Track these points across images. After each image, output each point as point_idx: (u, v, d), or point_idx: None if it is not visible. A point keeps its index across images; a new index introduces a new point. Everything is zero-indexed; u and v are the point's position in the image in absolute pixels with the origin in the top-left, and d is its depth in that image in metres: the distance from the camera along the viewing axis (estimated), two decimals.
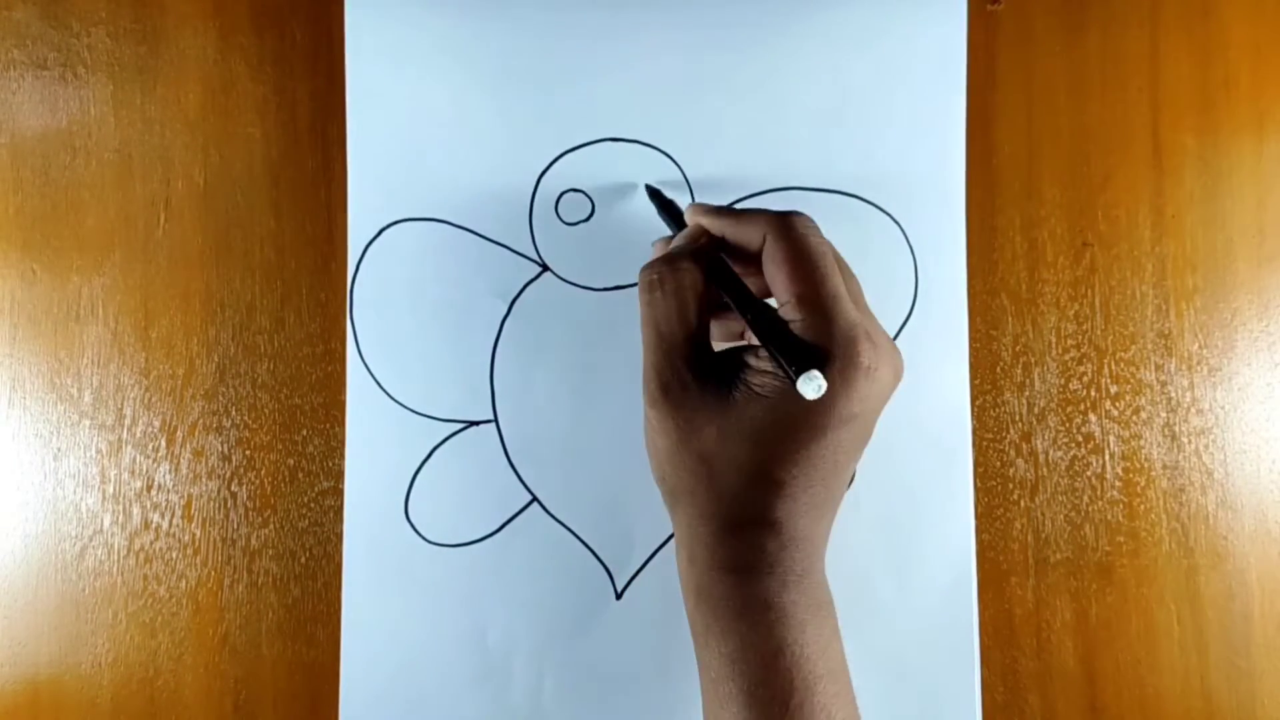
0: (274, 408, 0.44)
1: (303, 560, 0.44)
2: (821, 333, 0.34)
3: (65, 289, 0.45)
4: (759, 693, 0.33)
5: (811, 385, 0.32)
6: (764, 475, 0.35)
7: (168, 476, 0.44)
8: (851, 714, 0.35)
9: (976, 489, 0.44)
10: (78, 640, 0.44)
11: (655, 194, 0.43)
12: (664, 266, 0.36)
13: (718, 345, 0.38)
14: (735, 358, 0.36)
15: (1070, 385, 0.44)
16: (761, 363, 0.35)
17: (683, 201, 0.44)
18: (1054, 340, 0.44)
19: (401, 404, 0.44)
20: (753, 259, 0.37)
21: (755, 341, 0.36)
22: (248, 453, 0.44)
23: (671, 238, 0.40)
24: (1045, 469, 0.44)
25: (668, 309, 0.36)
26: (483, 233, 0.44)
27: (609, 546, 0.44)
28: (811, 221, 0.36)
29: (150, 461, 0.44)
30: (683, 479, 0.36)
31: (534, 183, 0.44)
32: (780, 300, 0.35)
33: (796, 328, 0.34)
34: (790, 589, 0.34)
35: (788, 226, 0.36)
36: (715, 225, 0.38)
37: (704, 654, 0.36)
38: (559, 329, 0.44)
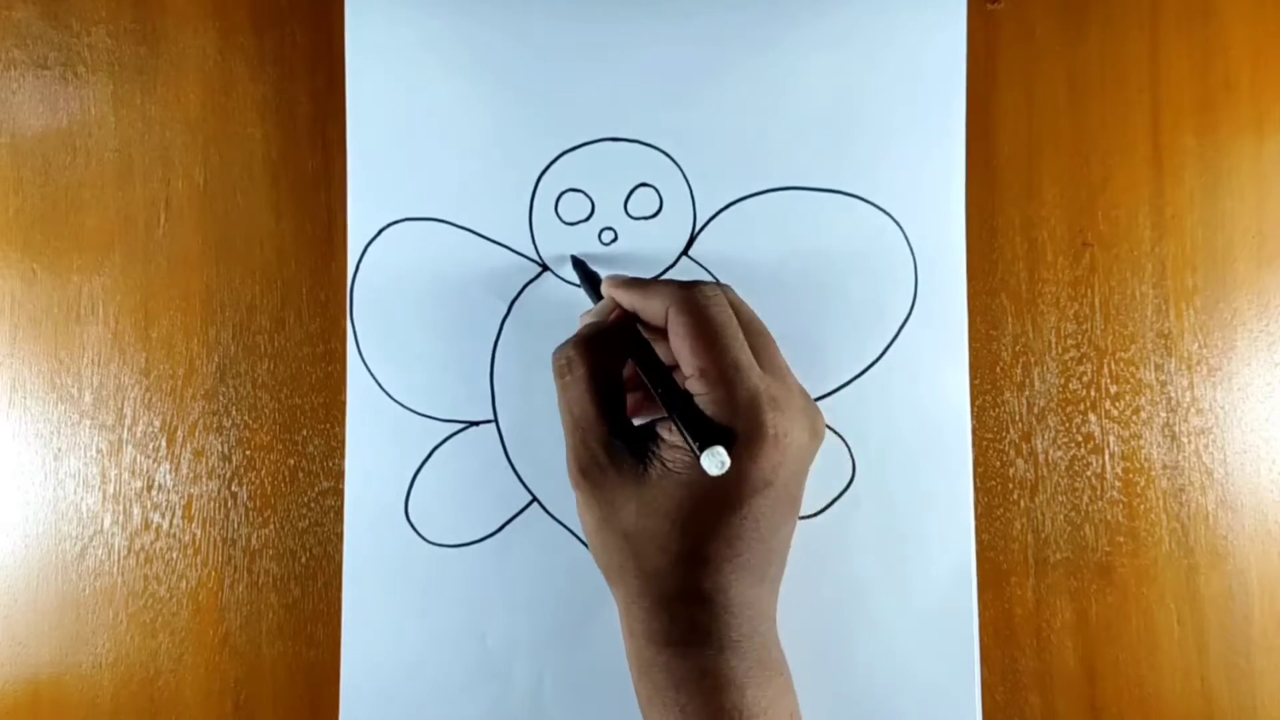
0: (274, 408, 0.44)
1: (303, 560, 0.44)
2: (724, 405, 0.34)
3: (65, 289, 0.45)
4: None
5: (714, 461, 0.33)
6: (687, 551, 0.35)
7: (168, 476, 0.44)
8: None
9: (976, 489, 0.44)
10: (78, 640, 0.44)
11: (579, 265, 0.43)
12: (572, 350, 0.37)
13: (645, 417, 0.38)
14: (650, 432, 0.36)
15: (1070, 385, 0.44)
16: (674, 436, 0.35)
17: (681, 208, 0.44)
18: (1054, 340, 0.44)
19: (401, 404, 0.44)
20: (664, 331, 0.37)
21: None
22: (248, 453, 0.44)
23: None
24: (1045, 469, 0.44)
25: (578, 393, 0.36)
26: (483, 233, 0.44)
27: None
28: (715, 290, 0.36)
29: (150, 461, 0.44)
30: (611, 557, 0.36)
31: (534, 183, 0.44)
32: (686, 374, 0.35)
33: (701, 401, 0.35)
34: (729, 654, 0.35)
35: (688, 299, 0.36)
36: (625, 299, 0.38)
37: None
38: (559, 329, 0.44)
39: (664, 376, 0.36)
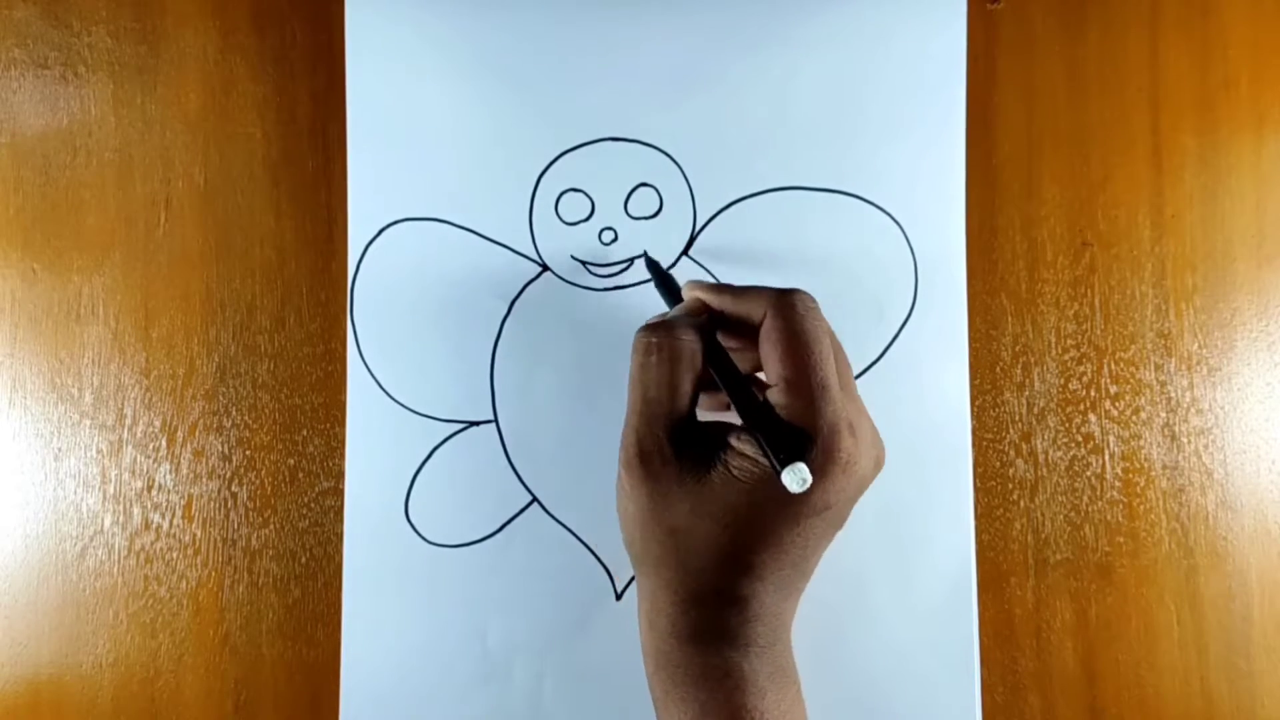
0: (274, 408, 0.44)
1: (303, 560, 0.44)
2: (807, 420, 0.34)
3: (66, 289, 0.45)
4: None
5: (796, 479, 0.32)
6: (733, 557, 0.35)
7: (168, 476, 0.44)
8: None
9: (976, 489, 0.44)
10: (78, 640, 0.44)
11: (654, 266, 0.43)
12: (664, 333, 0.36)
13: (702, 415, 0.38)
14: (717, 435, 0.36)
15: (1070, 385, 0.44)
16: (744, 445, 0.35)
17: (681, 208, 0.44)
18: (1054, 340, 0.44)
19: (401, 404, 0.44)
20: (746, 335, 0.37)
21: (738, 420, 0.36)
22: (248, 453, 0.44)
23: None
24: (1045, 469, 0.44)
25: (660, 376, 0.35)
26: (483, 233, 0.44)
27: (609, 546, 0.44)
28: (813, 301, 0.36)
29: (151, 461, 0.44)
30: (650, 548, 0.36)
31: (534, 183, 0.44)
32: (770, 380, 0.35)
33: (782, 411, 0.34)
34: (752, 658, 0.35)
35: (788, 306, 0.35)
36: (715, 300, 0.38)
37: (663, 717, 0.36)
38: (559, 329, 0.44)
39: (743, 384, 0.36)
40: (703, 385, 0.37)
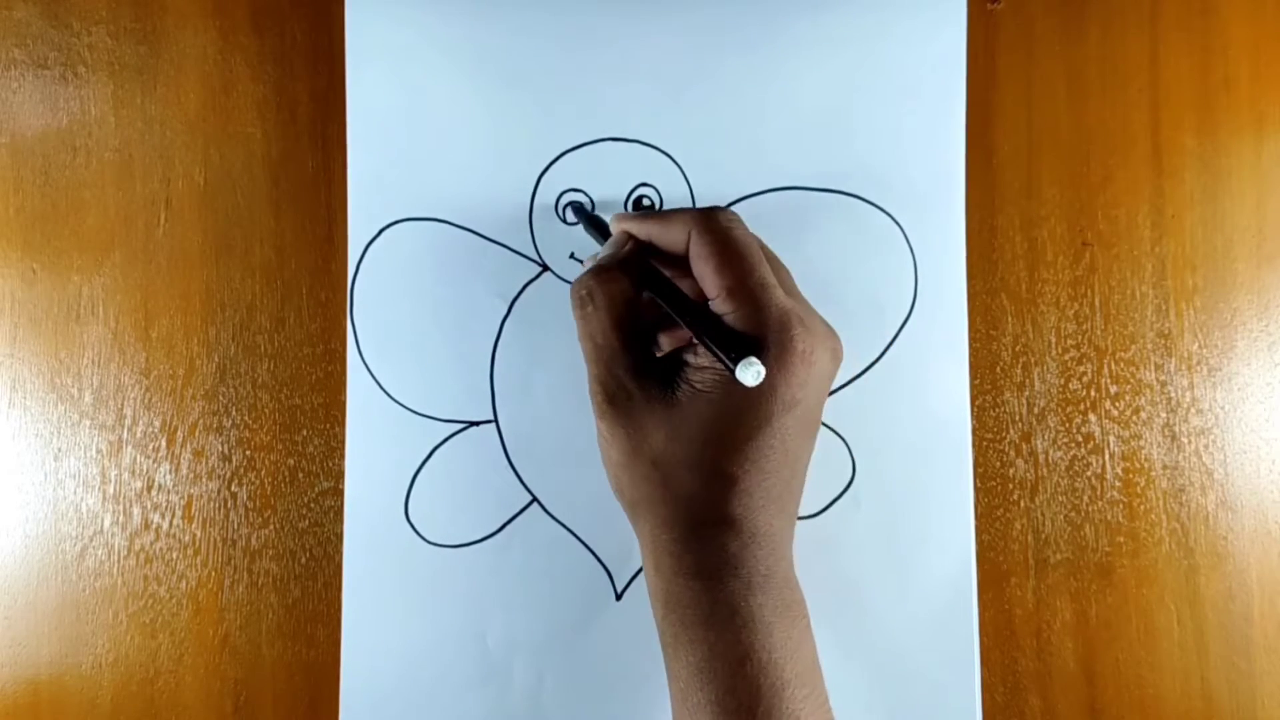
0: (274, 408, 0.44)
1: (303, 560, 0.44)
2: (754, 321, 0.35)
3: (65, 289, 0.45)
4: (726, 701, 0.33)
5: (750, 372, 0.33)
6: (717, 472, 0.35)
7: (168, 477, 0.44)
8: (823, 716, 0.35)
9: (976, 489, 0.44)
10: (78, 641, 0.44)
11: (579, 209, 0.43)
12: (592, 279, 0.37)
13: (666, 352, 0.39)
14: (675, 359, 0.37)
15: (1070, 385, 0.44)
16: (700, 359, 0.36)
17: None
18: (1054, 340, 0.44)
19: (401, 404, 0.44)
20: (681, 261, 0.37)
21: (694, 342, 0.36)
22: (248, 453, 0.44)
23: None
24: (1045, 469, 0.44)
25: (601, 321, 0.36)
26: (483, 233, 0.44)
27: (609, 547, 0.44)
28: (735, 215, 0.37)
29: (150, 462, 0.44)
30: (639, 487, 0.36)
31: (534, 183, 0.44)
32: (710, 295, 0.36)
33: (729, 319, 0.35)
34: (756, 591, 0.35)
35: (710, 221, 0.36)
36: (640, 229, 0.39)
37: (673, 664, 0.36)
38: (559, 329, 0.44)
39: (685, 300, 0.36)
40: (659, 320, 0.38)
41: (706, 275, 0.36)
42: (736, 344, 0.34)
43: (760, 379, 0.33)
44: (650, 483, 0.36)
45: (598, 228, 0.42)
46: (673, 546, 0.35)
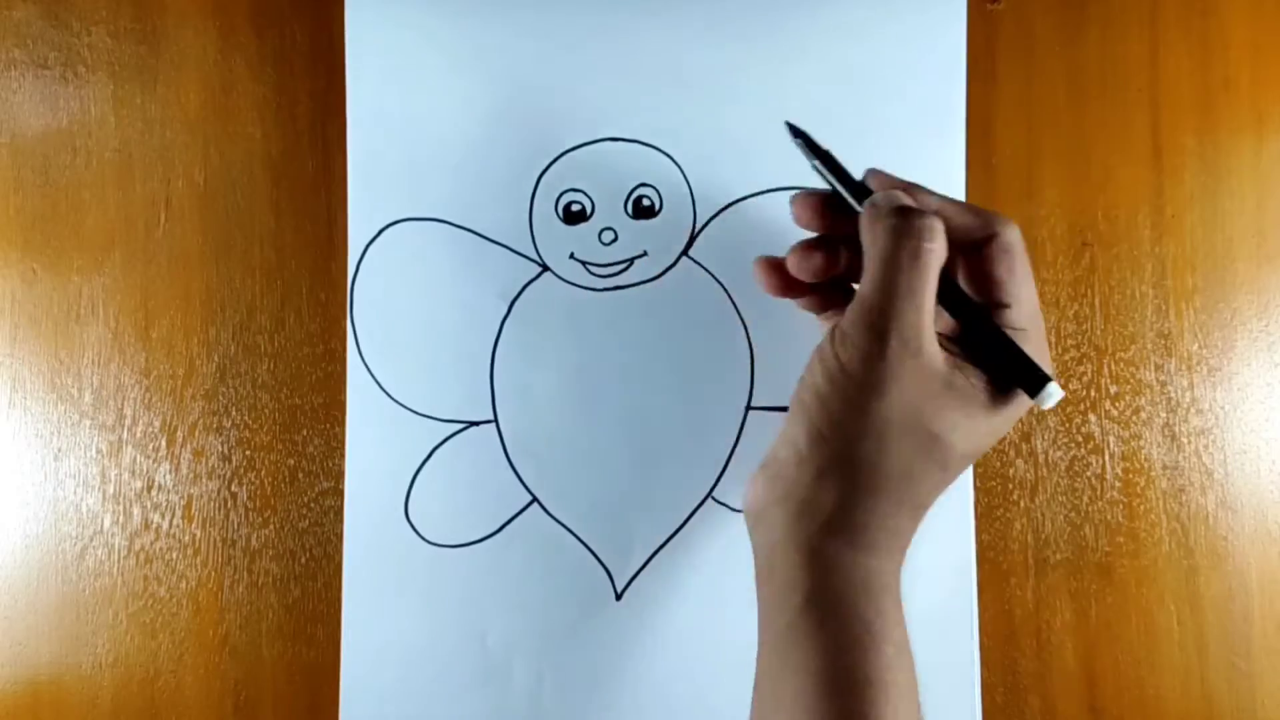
0: (274, 408, 0.44)
1: (303, 560, 0.44)
2: (1036, 351, 0.35)
3: (65, 289, 0.45)
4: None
5: (1053, 399, 0.33)
6: (940, 469, 0.34)
7: (168, 477, 0.44)
8: None
9: (976, 489, 0.44)
10: (78, 641, 0.44)
11: (828, 160, 0.37)
12: (936, 223, 0.33)
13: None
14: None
15: (1070, 385, 0.44)
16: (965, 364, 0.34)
17: (681, 208, 0.44)
18: (1054, 340, 0.44)
19: (401, 404, 0.44)
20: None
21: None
22: (248, 453, 0.44)
23: (820, 192, 0.37)
24: (1045, 469, 0.44)
25: (935, 267, 0.33)
26: (483, 233, 0.44)
27: (609, 547, 0.44)
28: None
29: (150, 462, 0.44)
30: (863, 444, 0.33)
31: (534, 183, 0.44)
32: (1001, 300, 0.34)
33: (1018, 338, 0.34)
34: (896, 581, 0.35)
35: (1016, 234, 0.35)
36: (940, 207, 0.35)
37: (799, 638, 0.34)
38: (559, 329, 0.44)
39: (971, 303, 0.35)
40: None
41: (1004, 285, 0.34)
42: (1032, 367, 0.33)
43: (1055, 401, 0.33)
44: (881, 439, 0.33)
45: (835, 170, 0.37)
46: (867, 516, 0.34)
